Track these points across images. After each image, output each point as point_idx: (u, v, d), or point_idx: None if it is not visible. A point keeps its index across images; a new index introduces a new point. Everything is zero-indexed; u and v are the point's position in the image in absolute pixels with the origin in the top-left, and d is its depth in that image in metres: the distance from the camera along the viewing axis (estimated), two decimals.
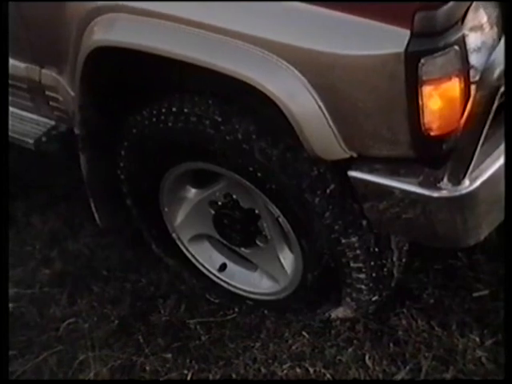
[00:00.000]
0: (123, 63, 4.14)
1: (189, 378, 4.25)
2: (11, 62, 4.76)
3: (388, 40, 3.42)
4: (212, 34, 3.77)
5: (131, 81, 4.28)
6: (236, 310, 4.47)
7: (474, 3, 3.51)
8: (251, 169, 4.00)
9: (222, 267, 4.55)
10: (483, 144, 3.45)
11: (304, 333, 4.28)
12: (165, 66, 4.01)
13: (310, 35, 3.61)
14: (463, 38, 3.39)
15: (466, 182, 3.51)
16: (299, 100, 3.64)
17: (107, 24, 4.07)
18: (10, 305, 4.77)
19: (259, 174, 3.99)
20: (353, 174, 3.71)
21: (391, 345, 4.18)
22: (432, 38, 3.38)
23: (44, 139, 4.75)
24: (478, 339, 4.15)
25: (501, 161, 3.73)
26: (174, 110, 4.12)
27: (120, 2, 4.09)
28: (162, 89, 4.26)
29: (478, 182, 3.56)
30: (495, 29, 3.60)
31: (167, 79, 4.25)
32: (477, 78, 3.42)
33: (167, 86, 4.26)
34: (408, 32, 3.34)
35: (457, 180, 3.52)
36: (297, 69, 3.57)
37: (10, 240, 5.15)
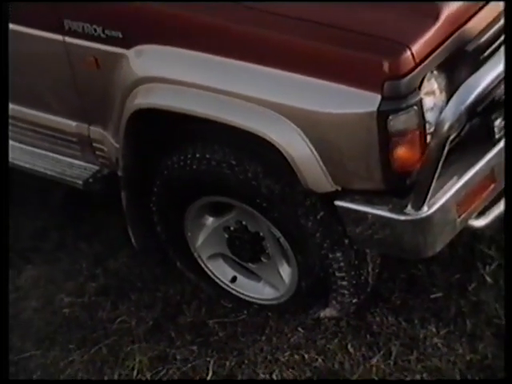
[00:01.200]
0: (158, 120, 4.48)
1: (211, 365, 4.51)
2: (63, 120, 5.05)
3: (364, 102, 3.79)
4: (227, 97, 4.12)
5: (164, 133, 4.60)
6: (245, 312, 4.75)
7: (428, 74, 3.88)
8: (258, 200, 4.32)
9: (234, 279, 4.81)
10: (438, 178, 3.77)
11: (299, 328, 4.57)
12: (190, 121, 4.34)
13: (303, 98, 3.96)
14: (420, 100, 3.79)
15: (425, 208, 3.87)
16: (296, 146, 3.99)
17: (146, 91, 4.38)
18: (66, 310, 5.01)
19: (264, 205, 4.32)
20: (338, 203, 4.06)
21: (368, 336, 4.50)
22: (397, 101, 3.75)
23: (91, 180, 5.00)
24: (434, 330, 4.47)
25: (452, 191, 4.03)
26: (197, 155, 4.41)
27: (156, 75, 4.41)
28: (188, 139, 4.53)
29: (434, 208, 3.91)
30: (444, 94, 3.99)
31: (192, 132, 4.51)
32: (431, 130, 3.82)
33: (192, 137, 4.52)
34: (379, 96, 3.73)
35: (418, 207, 3.87)
36: (294, 123, 3.95)
37: (62, 260, 5.41)
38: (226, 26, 4.24)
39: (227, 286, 4.86)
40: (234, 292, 4.86)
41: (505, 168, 4.17)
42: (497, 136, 4.23)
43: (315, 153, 3.99)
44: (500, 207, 4.44)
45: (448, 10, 4.00)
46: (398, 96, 3.77)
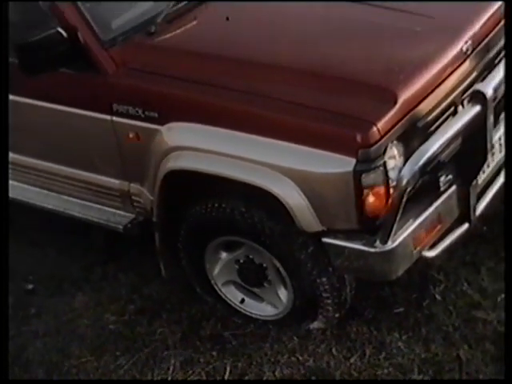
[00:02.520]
0: (186, 179, 4.75)
1: (227, 366, 4.77)
2: (109, 179, 5.31)
3: (343, 164, 4.18)
4: (239, 160, 4.47)
5: (190, 189, 4.84)
6: (252, 325, 5.02)
7: (389, 144, 4.26)
8: (263, 239, 4.65)
9: (242, 300, 5.09)
10: (399, 221, 4.22)
11: (295, 337, 4.86)
12: (210, 179, 4.64)
13: (298, 161, 4.32)
14: (385, 163, 4.19)
15: (390, 242, 4.27)
16: (292, 197, 4.34)
17: (176, 157, 4.70)
18: (112, 326, 5.25)
19: (267, 242, 4.65)
20: (324, 239, 4.43)
21: (347, 342, 4.81)
22: (368, 163, 4.15)
23: (129, 226, 5.27)
24: (398, 336, 4.81)
25: (409, 230, 4.43)
26: (216, 205, 4.72)
27: (183, 145, 4.70)
28: (209, 193, 4.80)
29: (396, 243, 4.30)
30: (402, 157, 4.33)
31: (212, 187, 4.76)
32: (393, 184, 4.22)
33: (212, 191, 4.79)
34: (355, 160, 4.14)
35: (384, 242, 4.27)
36: (291, 180, 4.31)
37: (106, 288, 5.61)
38: (236, 109, 4.54)
39: (237, 306, 5.13)
40: (242, 311, 5.11)
41: (505, 168, 4.69)
42: (442, 189, 4.61)
43: (307, 202, 4.34)
44: (446, 242, 4.73)
45: (403, 96, 4.35)
46: (368, 160, 4.15)
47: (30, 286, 5.74)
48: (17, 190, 5.81)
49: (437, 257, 4.73)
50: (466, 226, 4.77)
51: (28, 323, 5.42)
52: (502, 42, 5.06)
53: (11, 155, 5.64)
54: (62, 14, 4.88)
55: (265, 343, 4.91)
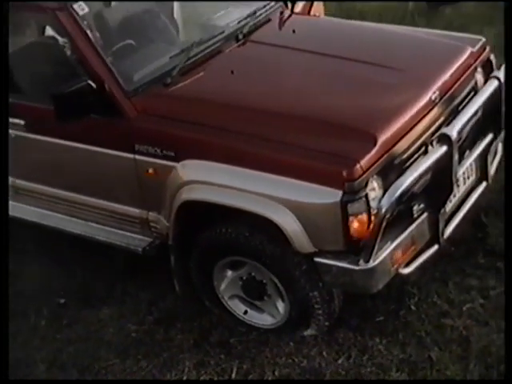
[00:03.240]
0: (198, 208, 4.88)
1: (234, 367, 4.88)
2: (129, 208, 5.38)
3: (332, 196, 4.36)
4: (243, 193, 4.60)
5: (201, 216, 4.95)
6: (254, 333, 5.13)
7: (370, 178, 4.40)
8: (263, 259, 4.78)
9: (245, 312, 5.19)
10: (379, 243, 4.38)
11: (291, 343, 5.00)
12: (220, 208, 4.77)
13: (294, 193, 4.47)
14: (366, 194, 4.36)
15: (371, 261, 4.43)
16: (289, 224, 4.49)
17: (189, 190, 4.83)
18: (134, 334, 5.32)
19: (267, 262, 4.79)
20: (316, 259, 4.57)
21: (336, 346, 4.95)
22: (352, 195, 4.33)
23: (147, 248, 5.33)
24: (378, 340, 4.94)
25: (387, 251, 4.57)
26: (223, 230, 4.85)
27: (195, 179, 4.84)
28: (217, 220, 4.92)
29: (376, 262, 4.46)
30: (381, 190, 4.49)
31: (220, 215, 4.88)
32: (374, 212, 4.38)
33: (221, 219, 4.89)
34: (341, 192, 4.32)
35: (367, 261, 4.43)
36: (288, 209, 4.47)
37: (127, 302, 5.62)
38: (240, 148, 4.71)
39: (241, 316, 5.22)
40: (246, 320, 5.21)
41: (505, 170, 4.85)
42: (415, 216, 4.77)
43: (301, 228, 4.49)
44: (419, 260, 4.88)
45: (382, 138, 4.55)
46: (353, 192, 4.33)
47: (62, 301, 5.75)
48: (48, 217, 5.86)
49: (411, 273, 4.89)
50: (435, 247, 4.91)
51: (61, 332, 5.46)
52: (465, 91, 5.26)
53: (43, 187, 5.78)
54: (92, 68, 5.04)
55: (265, 348, 5.02)
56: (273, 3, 6.14)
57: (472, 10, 10.17)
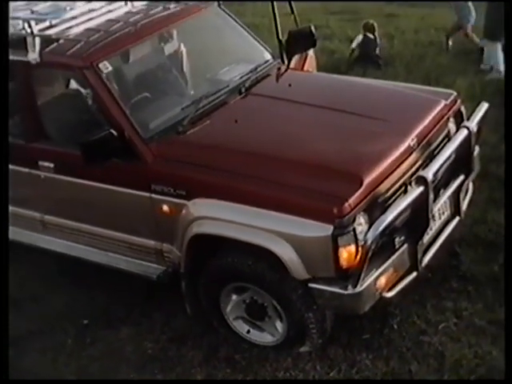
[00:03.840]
0: (207, 240, 4.97)
1: (239, 378, 5.00)
2: (146, 240, 5.42)
3: (324, 230, 4.49)
4: (246, 227, 4.75)
5: (209, 247, 5.02)
6: (256, 350, 5.20)
7: (357, 214, 4.53)
8: (264, 285, 4.89)
9: (248, 331, 5.25)
10: (365, 270, 4.52)
11: (288, 358, 5.10)
12: (226, 240, 4.90)
13: (292, 228, 4.60)
14: (354, 228, 4.50)
15: (359, 286, 4.55)
16: (287, 254, 4.62)
17: (199, 224, 4.94)
18: (150, 350, 5.36)
19: (268, 287, 4.89)
20: (310, 284, 4.69)
21: (328, 361, 5.05)
22: (342, 229, 4.46)
23: (161, 275, 5.38)
24: (365, 355, 5.04)
25: (372, 278, 4.66)
26: (229, 260, 4.97)
27: (204, 215, 4.93)
28: (224, 250, 5.02)
29: (363, 287, 4.59)
30: (367, 224, 4.59)
31: (227, 246, 4.97)
32: (361, 244, 4.50)
33: (227, 249, 4.99)
34: (332, 227, 4.46)
35: (354, 286, 4.56)
36: (286, 241, 4.60)
37: (144, 323, 5.61)
38: (243, 188, 4.84)
39: (244, 335, 5.29)
40: (248, 339, 5.27)
41: (505, 172, 4.99)
42: (396, 247, 4.89)
43: (298, 257, 4.62)
44: (400, 285, 4.97)
45: (367, 180, 4.68)
46: (342, 226, 4.47)
47: (86, 321, 5.75)
48: (73, 248, 5.92)
49: (393, 296, 5.00)
50: (414, 273, 5.04)
51: (86, 349, 5.50)
52: (439, 138, 5.39)
53: (69, 222, 5.85)
54: (114, 119, 5.19)
55: (266, 363, 5.13)
56: (272, 60, 6.26)
57: (446, 62, 10.37)
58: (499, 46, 9.74)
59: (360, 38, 10.99)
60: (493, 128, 7.50)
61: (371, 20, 11.18)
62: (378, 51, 10.96)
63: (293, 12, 6.75)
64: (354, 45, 11.03)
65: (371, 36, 10.99)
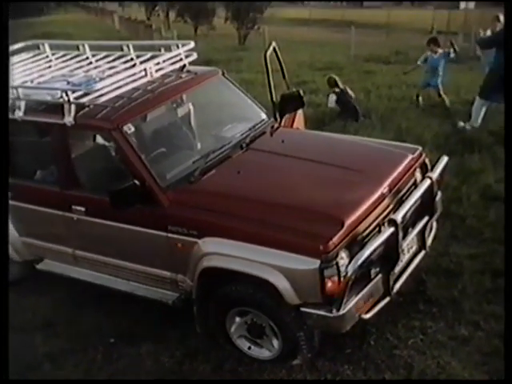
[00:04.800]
0: (215, 272, 5.12)
1: None
2: (162, 271, 5.53)
3: (312, 263, 4.69)
4: (248, 261, 4.90)
5: (217, 277, 5.17)
6: (256, 363, 5.35)
7: (340, 252, 4.69)
8: (263, 309, 5.07)
9: (249, 348, 5.39)
10: (346, 296, 4.70)
11: (283, 370, 5.26)
12: (231, 272, 5.05)
13: (285, 261, 4.78)
14: (337, 262, 4.68)
15: (341, 310, 4.75)
16: (282, 284, 4.80)
17: (208, 259, 5.10)
18: (166, 365, 5.43)
19: (266, 310, 5.06)
20: (302, 309, 4.84)
21: (316, 372, 5.22)
22: (327, 263, 4.66)
23: (176, 301, 5.53)
24: (347, 367, 5.22)
25: (353, 302, 4.79)
26: (233, 288, 5.14)
27: (213, 251, 5.07)
28: (230, 281, 5.13)
29: (345, 310, 4.78)
30: (348, 258, 4.76)
31: (232, 277, 5.10)
32: (343, 275, 4.68)
33: (232, 280, 5.12)
34: (319, 261, 4.65)
35: (338, 309, 4.76)
36: (281, 273, 4.78)
37: (160, 341, 5.63)
38: (246, 230, 4.98)
39: (246, 351, 5.42)
40: (249, 354, 5.41)
41: (505, 174, 4.87)
42: (372, 277, 5.04)
43: (290, 286, 4.78)
44: (376, 308, 5.09)
45: (347, 222, 4.85)
46: (327, 261, 4.67)
47: (112, 340, 5.86)
48: (100, 278, 6.06)
49: (370, 317, 5.13)
50: (388, 298, 5.20)
51: (113, 363, 5.64)
52: (407, 186, 5.60)
53: (97, 256, 6.01)
54: (137, 171, 5.39)
55: (264, 373, 5.30)
56: (267, 119, 6.52)
57: (416, 115, 10.69)
58: (485, 106, 9.82)
59: (333, 97, 11.05)
60: (454, 173, 7.87)
61: (332, 75, 11.35)
62: (352, 103, 11.02)
63: (284, 77, 6.94)
64: (330, 105, 11.11)
65: (337, 89, 11.07)
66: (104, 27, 37.97)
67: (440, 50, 11.37)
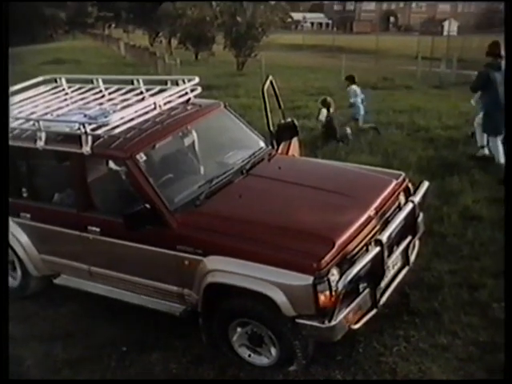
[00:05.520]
0: (218, 287, 5.27)
1: None
2: (170, 286, 5.63)
3: (306, 280, 4.86)
4: (248, 278, 5.02)
5: (220, 292, 5.29)
6: (256, 369, 5.45)
7: (331, 269, 4.84)
8: (262, 320, 5.22)
9: (249, 355, 5.50)
10: (338, 309, 4.86)
11: (280, 375, 5.36)
12: (233, 287, 5.19)
13: (282, 278, 4.91)
14: (328, 278, 4.86)
15: (333, 321, 4.93)
16: (279, 297, 4.97)
17: (212, 275, 5.23)
18: (174, 371, 5.50)
19: (265, 322, 5.22)
20: (297, 320, 5.01)
21: (310, 377, 5.33)
22: (320, 279, 4.85)
23: (182, 313, 5.65)
24: (338, 372, 5.37)
25: (343, 314, 4.94)
26: (235, 302, 5.31)
27: (216, 268, 5.19)
28: (232, 295, 5.29)
29: (336, 321, 4.96)
30: (338, 275, 4.90)
31: (234, 292, 5.24)
32: (334, 289, 4.80)
33: (234, 294, 5.28)
34: (312, 277, 4.84)
35: (330, 321, 4.93)
36: (279, 289, 4.95)
37: (168, 349, 5.72)
38: (246, 249, 5.15)
39: (247, 358, 5.53)
40: (250, 361, 5.53)
41: (504, 178, 4.95)
42: (361, 291, 5.20)
43: (287, 300, 4.93)
44: (364, 319, 5.22)
45: (338, 242, 5.03)
46: (320, 277, 4.84)
47: (124, 348, 5.97)
48: (113, 292, 6.19)
49: (359, 328, 5.29)
50: (375, 310, 5.37)
51: (125, 370, 5.70)
52: (392, 209, 5.78)
53: (110, 272, 6.14)
54: (148, 195, 5.55)
55: (264, 377, 5.44)
56: (264, 147, 6.69)
57: (400, 139, 10.90)
58: (499, 140, 9.38)
59: (324, 112, 11.21)
60: (436, 194, 8.08)
61: (328, 98, 11.55)
62: (337, 128, 11.17)
63: (280, 107, 7.16)
64: (321, 117, 11.29)
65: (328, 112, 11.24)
66: (110, 54, 38.19)
67: (353, 86, 11.77)
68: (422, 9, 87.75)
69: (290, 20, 54.05)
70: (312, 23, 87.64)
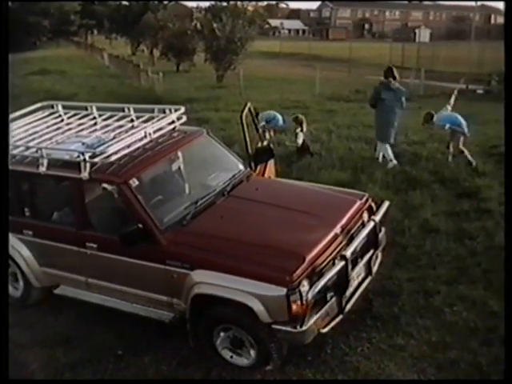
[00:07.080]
0: (204, 297, 5.60)
1: None
2: (160, 296, 5.93)
3: (280, 291, 5.26)
4: (230, 289, 5.39)
5: (205, 301, 5.63)
6: (237, 369, 5.79)
7: (302, 281, 5.20)
8: (242, 326, 5.61)
9: (231, 357, 5.83)
10: (308, 315, 5.21)
11: (258, 375, 5.73)
12: (217, 298, 5.53)
13: (259, 290, 5.28)
14: (300, 290, 5.25)
15: (304, 326, 5.32)
16: (257, 306, 5.35)
17: (198, 287, 5.58)
18: (165, 373, 5.83)
19: (245, 328, 5.58)
20: (272, 326, 5.41)
21: (284, 375, 5.69)
22: (292, 291, 5.21)
23: (172, 320, 5.98)
24: (308, 370, 5.71)
25: (313, 320, 5.31)
26: (219, 310, 5.64)
27: (202, 281, 5.51)
28: (215, 303, 5.62)
29: (307, 326, 5.35)
30: (308, 286, 5.27)
31: (217, 301, 5.59)
32: (305, 299, 5.21)
33: (217, 303, 5.61)
34: (285, 289, 5.24)
35: (301, 326, 5.32)
36: (256, 298, 5.27)
37: (158, 353, 6.00)
38: (228, 264, 5.48)
39: (229, 360, 5.88)
40: (232, 362, 5.87)
41: (504, 178, 4.99)
42: (328, 299, 5.56)
43: (264, 308, 5.32)
44: (331, 324, 5.60)
45: (308, 257, 5.41)
46: (292, 289, 5.23)
47: (120, 352, 6.27)
48: (107, 301, 6.51)
49: (327, 331, 5.65)
50: (341, 316, 5.77)
51: (121, 371, 5.99)
52: (356, 227, 6.19)
53: (105, 283, 6.47)
54: (140, 216, 5.97)
55: (243, 377, 5.80)
56: (243, 169, 7.11)
57: (369, 154, 11.29)
58: (388, 145, 10.72)
59: (301, 135, 11.60)
60: (400, 208, 8.60)
61: (299, 115, 11.89)
62: (309, 144, 11.59)
63: (258, 131, 7.76)
64: (299, 141, 11.64)
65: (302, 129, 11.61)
66: (95, 64, 38.05)
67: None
68: (395, 16, 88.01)
69: (267, 26, 54.08)
70: (289, 30, 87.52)
